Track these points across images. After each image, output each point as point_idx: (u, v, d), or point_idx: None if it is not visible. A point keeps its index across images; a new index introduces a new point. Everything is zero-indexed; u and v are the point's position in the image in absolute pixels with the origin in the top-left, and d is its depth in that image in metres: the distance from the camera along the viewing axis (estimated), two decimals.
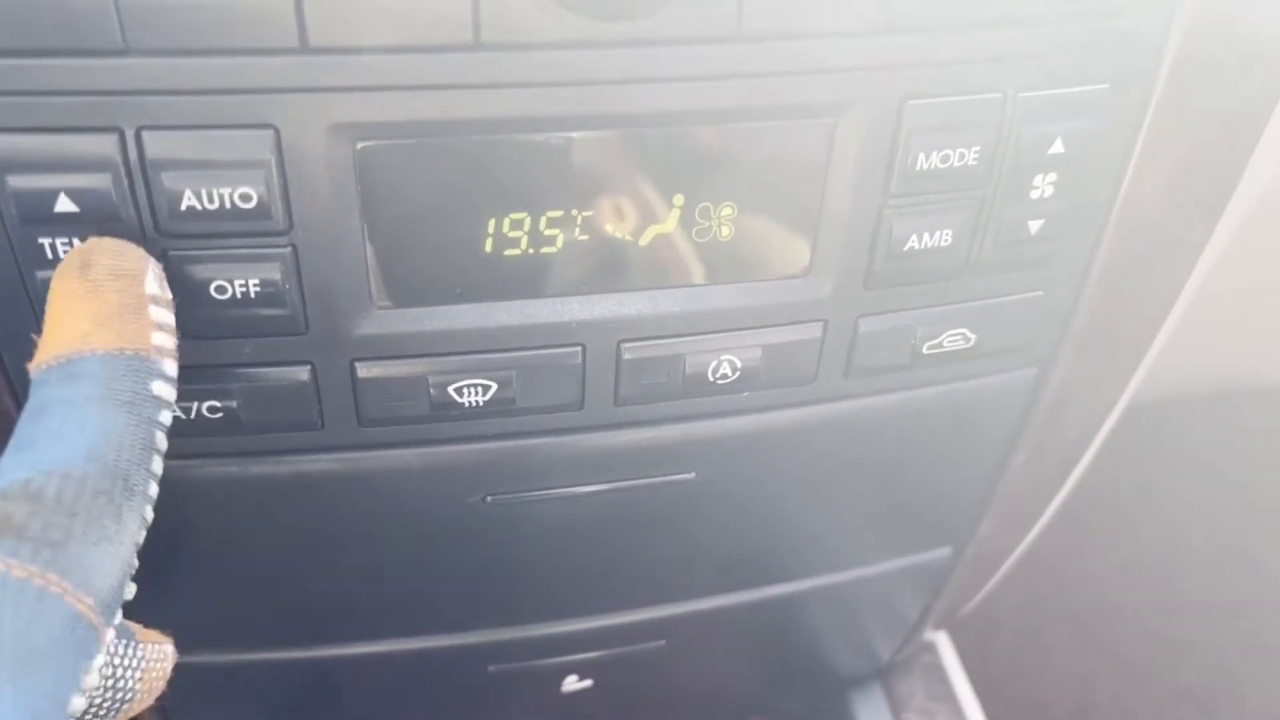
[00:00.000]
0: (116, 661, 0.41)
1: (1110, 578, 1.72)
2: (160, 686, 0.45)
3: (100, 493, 0.40)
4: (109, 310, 0.43)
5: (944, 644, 1.05)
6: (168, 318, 0.45)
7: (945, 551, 0.83)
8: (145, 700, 0.44)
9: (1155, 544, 1.76)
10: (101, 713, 0.41)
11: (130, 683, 0.42)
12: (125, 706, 0.42)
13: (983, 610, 1.45)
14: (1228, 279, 0.96)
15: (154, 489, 0.43)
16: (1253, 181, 0.70)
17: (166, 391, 0.44)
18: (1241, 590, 1.69)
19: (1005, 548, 0.88)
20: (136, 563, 0.42)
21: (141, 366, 0.43)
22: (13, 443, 0.41)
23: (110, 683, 0.41)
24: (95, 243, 0.46)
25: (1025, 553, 0.97)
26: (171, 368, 0.44)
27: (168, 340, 0.45)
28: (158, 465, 0.43)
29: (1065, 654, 1.61)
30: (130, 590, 0.42)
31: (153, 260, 0.46)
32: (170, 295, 0.46)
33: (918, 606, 0.91)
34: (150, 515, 0.43)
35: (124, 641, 0.42)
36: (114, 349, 0.42)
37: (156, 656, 0.44)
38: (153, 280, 0.45)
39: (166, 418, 0.44)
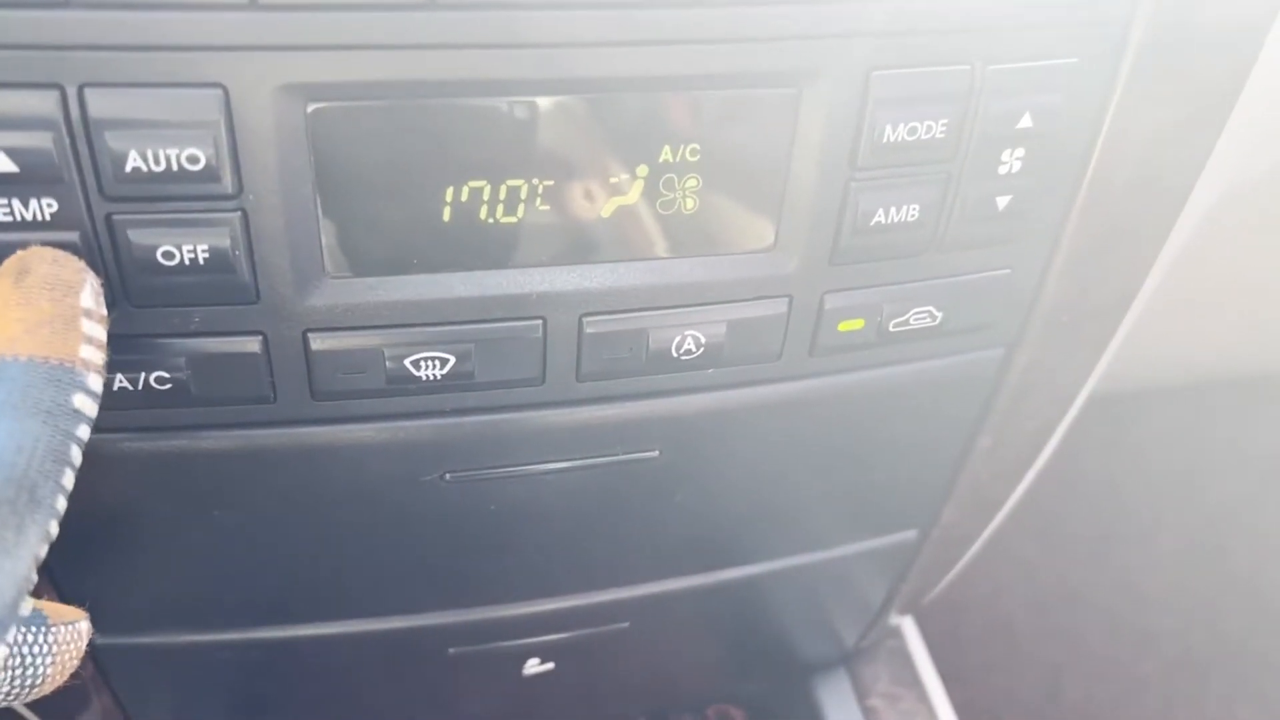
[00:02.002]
0: (25, 651, 0.40)
1: (1077, 567, 1.73)
2: (74, 664, 0.44)
3: (3, 501, 0.39)
4: (39, 318, 0.42)
5: (910, 629, 1.04)
6: (99, 333, 0.45)
7: (910, 535, 0.83)
8: (58, 679, 0.43)
9: (1122, 535, 1.77)
10: (11, 696, 0.40)
11: (41, 667, 0.41)
12: (36, 688, 0.42)
13: (951, 598, 1.45)
14: (1194, 270, 0.96)
15: (62, 503, 0.42)
16: (1219, 168, 0.70)
17: (88, 406, 0.43)
18: (1205, 582, 1.70)
19: (970, 533, 0.88)
20: (35, 577, 0.40)
21: (65, 377, 0.42)
22: None
23: (18, 671, 0.40)
24: (35, 251, 0.45)
25: (992, 540, 0.97)
26: (97, 383, 0.44)
27: (96, 355, 0.44)
28: (69, 480, 0.42)
29: (1032, 642, 1.62)
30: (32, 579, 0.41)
31: (91, 274, 0.45)
32: (105, 312, 0.46)
33: (883, 590, 0.90)
34: (55, 531, 0.42)
35: (34, 628, 0.41)
36: (39, 356, 0.41)
37: (69, 637, 0.43)
38: (89, 294, 0.44)
39: (84, 433, 0.43)
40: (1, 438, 0.40)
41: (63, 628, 0.43)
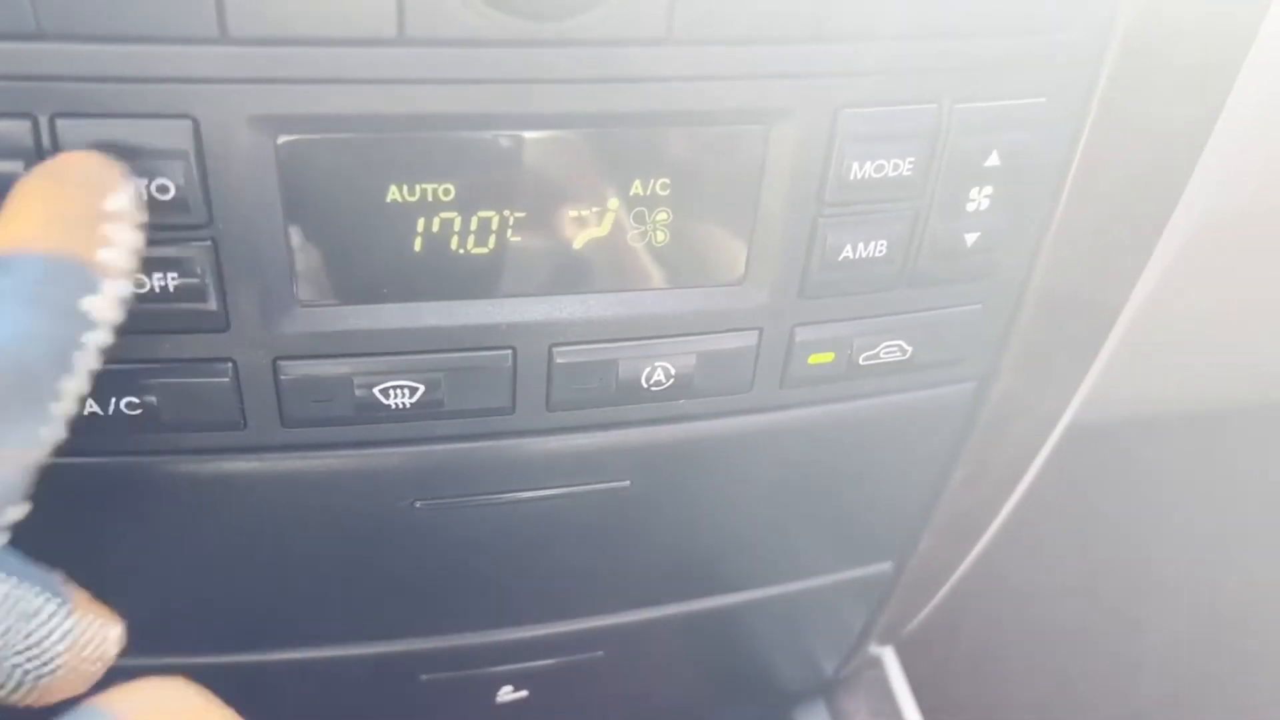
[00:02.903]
0: (38, 624, 0.38)
1: (1064, 599, 1.72)
2: (93, 670, 0.42)
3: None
4: (62, 214, 0.41)
5: (890, 659, 1.04)
6: (128, 237, 0.43)
7: (886, 566, 0.83)
8: (73, 681, 0.40)
9: (1112, 567, 1.77)
10: (16, 678, 0.38)
11: (52, 650, 0.39)
12: (47, 678, 0.39)
13: (936, 629, 1.45)
14: (1173, 301, 0.96)
15: (56, 411, 0.40)
16: (1193, 202, 0.70)
17: (99, 310, 0.41)
18: (1193, 614, 1.69)
19: (947, 564, 0.88)
20: (23, 500, 0.39)
21: (78, 276, 0.40)
22: None
23: (24, 640, 0.38)
24: (77, 154, 0.44)
25: (973, 571, 0.97)
26: (115, 288, 0.41)
27: (119, 258, 0.42)
28: (67, 387, 0.40)
29: (1018, 674, 1.61)
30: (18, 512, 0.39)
31: (132, 180, 0.44)
32: (142, 218, 0.44)
33: (860, 621, 0.90)
34: (47, 439, 0.40)
35: (47, 596, 0.39)
36: (54, 252, 0.40)
37: (93, 633, 0.41)
38: (121, 197, 0.43)
39: (93, 340, 0.41)
40: (2, 330, 0.37)
41: (89, 619, 0.41)
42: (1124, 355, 0.91)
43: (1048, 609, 1.70)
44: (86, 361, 0.41)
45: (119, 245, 0.42)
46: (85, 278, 0.40)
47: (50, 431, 0.40)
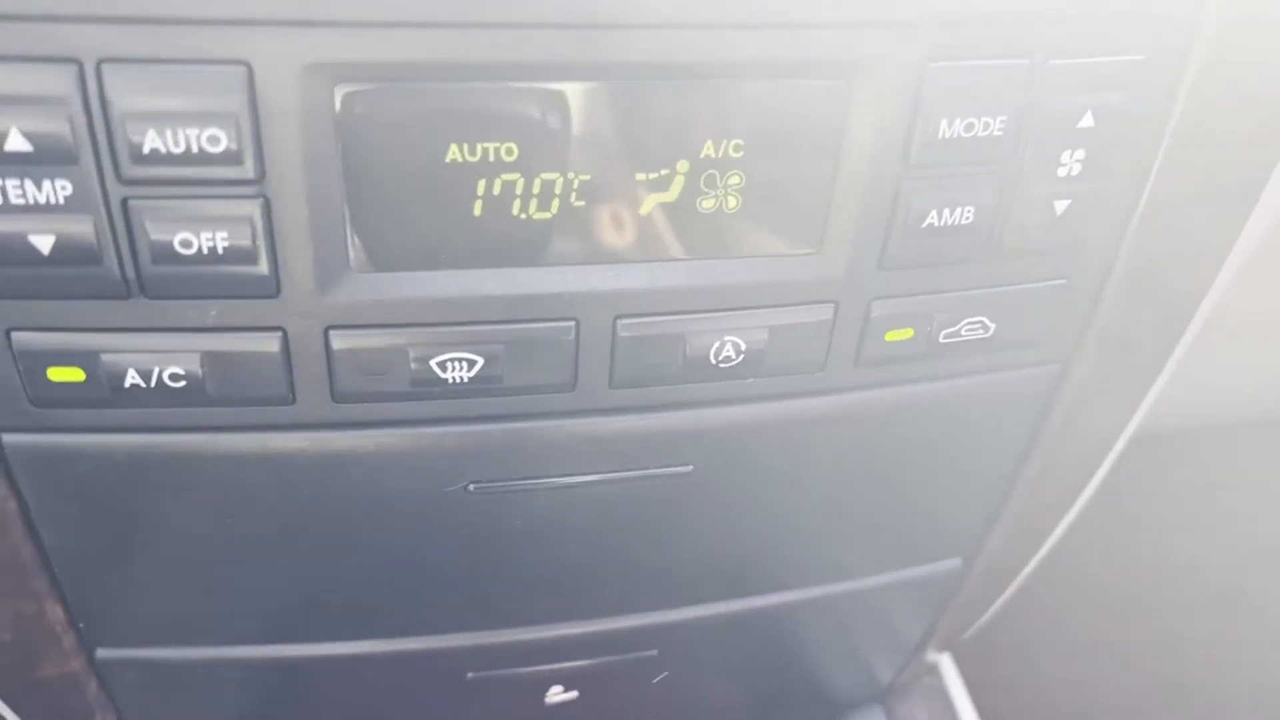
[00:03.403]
0: None
1: (1109, 615, 1.67)
2: None
3: None
4: None
5: (948, 666, 1.00)
6: None
7: (955, 563, 0.79)
8: None
9: (1156, 581, 1.71)
10: None
11: None
12: None
13: (993, 637, 1.40)
14: (1250, 296, 0.92)
15: None
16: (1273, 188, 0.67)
17: None
18: (1241, 634, 1.64)
19: (1014, 564, 0.84)
20: None
21: None
22: None
23: None
24: None
25: (1036, 575, 0.93)
26: None
27: None
28: None
29: (1060, 689, 1.56)
30: None
31: None
32: None
33: (924, 623, 0.86)
34: None
35: None
36: None
37: None
38: None
39: None
40: None
41: None
42: (1198, 353, 0.87)
43: (1112, 620, 1.65)
44: None
45: None
46: None
47: None
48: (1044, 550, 0.86)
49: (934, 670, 0.99)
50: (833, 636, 0.86)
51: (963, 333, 0.59)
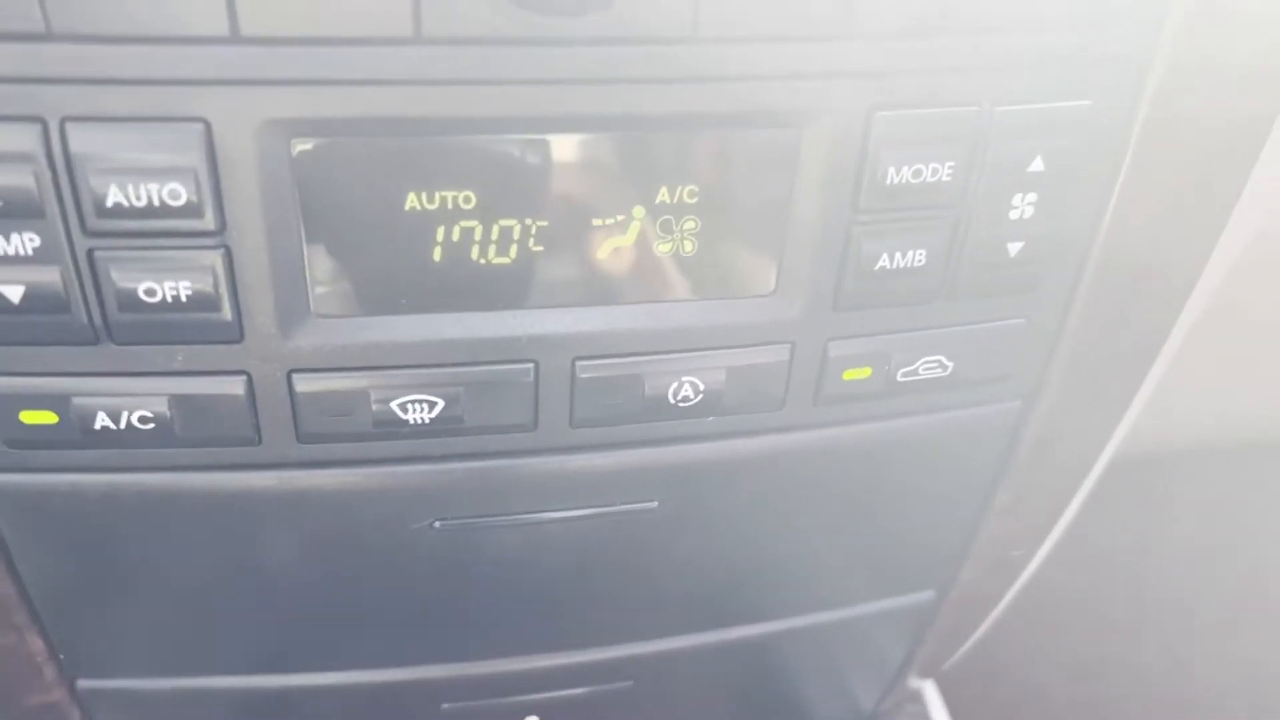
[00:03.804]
0: None
1: (1115, 634, 1.66)
2: None
3: None
4: None
5: (931, 694, 1.00)
6: None
7: (928, 595, 0.80)
8: None
9: (1160, 602, 1.71)
10: None
11: None
12: None
13: (982, 664, 1.39)
14: (1226, 321, 0.92)
15: None
16: (1246, 217, 0.67)
17: None
18: (1250, 650, 1.63)
19: (991, 595, 0.84)
20: None
21: None
22: None
23: None
24: None
25: (1024, 606, 0.93)
26: None
27: None
28: None
29: (1067, 710, 1.56)
30: None
31: None
32: None
33: (900, 652, 0.87)
34: None
35: None
36: None
37: None
38: None
39: None
40: None
41: None
42: (1173, 381, 0.87)
43: (1095, 646, 1.64)
44: None
45: None
46: None
47: None
48: (1023, 579, 0.87)
49: (917, 698, 1.00)
50: (809, 667, 0.86)
51: (921, 371, 0.60)
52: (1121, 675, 1.61)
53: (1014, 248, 0.57)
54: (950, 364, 0.60)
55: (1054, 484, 0.75)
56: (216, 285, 0.49)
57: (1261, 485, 1.85)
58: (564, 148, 0.50)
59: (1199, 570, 1.75)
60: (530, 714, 0.78)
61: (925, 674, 0.94)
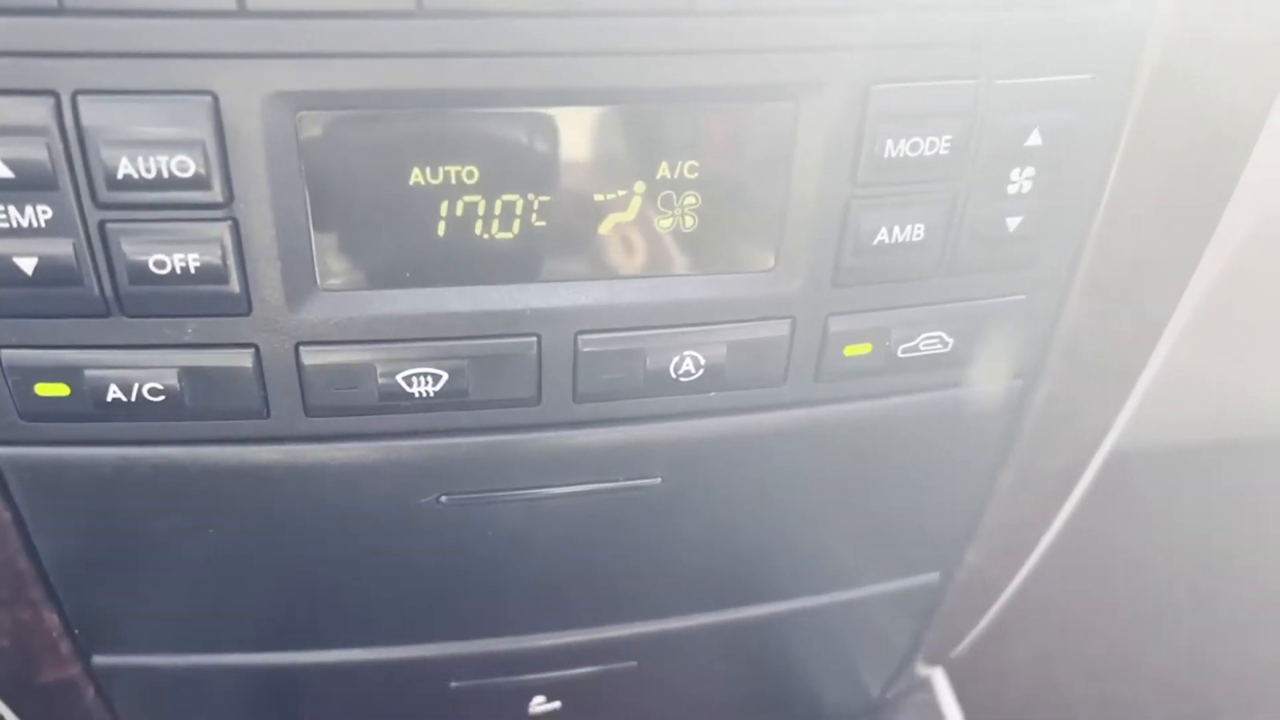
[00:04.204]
0: None
1: (1132, 633, 1.66)
2: None
3: None
4: None
5: (940, 681, 1.00)
6: None
7: (933, 577, 0.80)
8: None
9: (1180, 603, 1.70)
10: None
11: None
12: None
13: (987, 651, 1.39)
14: (1234, 307, 0.92)
15: None
16: (1248, 197, 0.67)
17: None
18: (1270, 649, 1.62)
19: (997, 580, 0.85)
20: None
21: None
22: None
23: None
24: None
25: (1028, 592, 0.93)
26: None
27: None
28: None
29: (1083, 710, 1.55)
30: None
31: None
32: None
33: (907, 636, 0.87)
34: None
35: None
36: None
37: None
38: None
39: None
40: None
41: None
42: (1182, 370, 0.87)
43: (1111, 644, 1.64)
44: None
45: None
46: None
47: None
48: (1030, 565, 0.87)
49: (926, 685, 1.00)
50: (814, 649, 0.87)
51: (921, 348, 0.60)
52: (1138, 674, 1.60)
53: (1013, 222, 0.57)
54: (951, 340, 0.61)
55: (1058, 467, 0.75)
56: (224, 257, 0.50)
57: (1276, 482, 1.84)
58: (565, 123, 0.51)
59: (1218, 568, 1.74)
60: (537, 693, 0.79)
61: (933, 661, 0.94)
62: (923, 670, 0.95)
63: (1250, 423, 1.53)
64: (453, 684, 0.76)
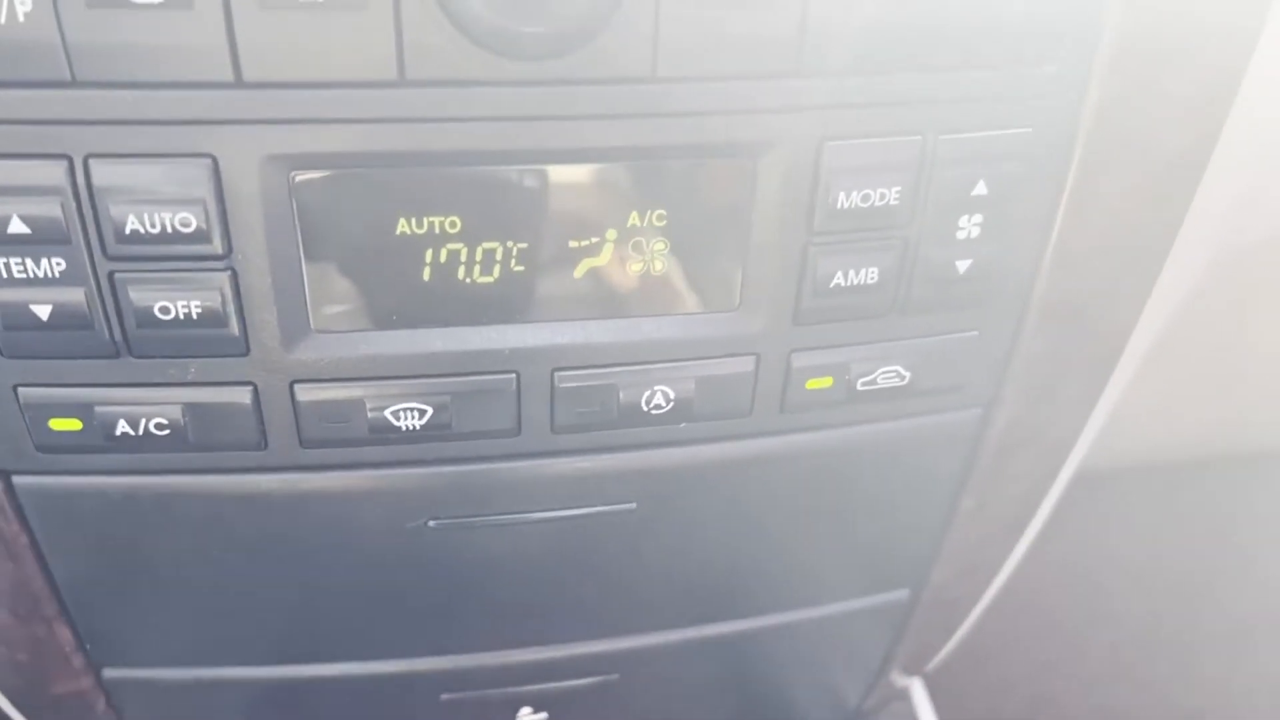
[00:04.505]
0: None
1: (1125, 645, 1.68)
2: None
3: None
4: None
5: (918, 691, 1.04)
6: None
7: (902, 594, 0.84)
8: None
9: (1172, 613, 1.72)
10: None
11: None
12: None
13: (991, 675, 1.42)
14: (1191, 338, 0.95)
15: None
16: (1202, 232, 0.71)
17: None
18: (1260, 662, 1.64)
19: (966, 596, 0.88)
20: None
21: None
22: None
23: None
24: None
25: (1002, 606, 0.97)
26: None
27: None
28: None
29: (1050, 710, 1.57)
30: None
31: None
32: None
33: (880, 649, 0.90)
34: None
35: None
36: None
37: None
38: None
39: None
40: None
41: None
42: (1145, 394, 0.90)
43: (1104, 657, 1.66)
44: None
45: None
46: None
47: None
48: (999, 582, 0.90)
49: (904, 695, 1.03)
50: (791, 661, 0.90)
51: (879, 381, 0.64)
52: (1131, 686, 1.62)
53: (962, 265, 0.61)
54: (907, 374, 0.64)
55: (1018, 490, 0.79)
56: (224, 304, 0.54)
57: (1272, 494, 1.87)
58: (540, 177, 0.55)
59: (1209, 581, 1.76)
60: (523, 704, 0.82)
61: (910, 671, 0.97)
62: (900, 681, 0.98)
63: (1224, 439, 1.55)
64: (443, 696, 0.80)
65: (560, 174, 0.55)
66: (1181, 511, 1.85)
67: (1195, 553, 1.80)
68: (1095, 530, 1.77)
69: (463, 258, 0.56)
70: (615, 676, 0.82)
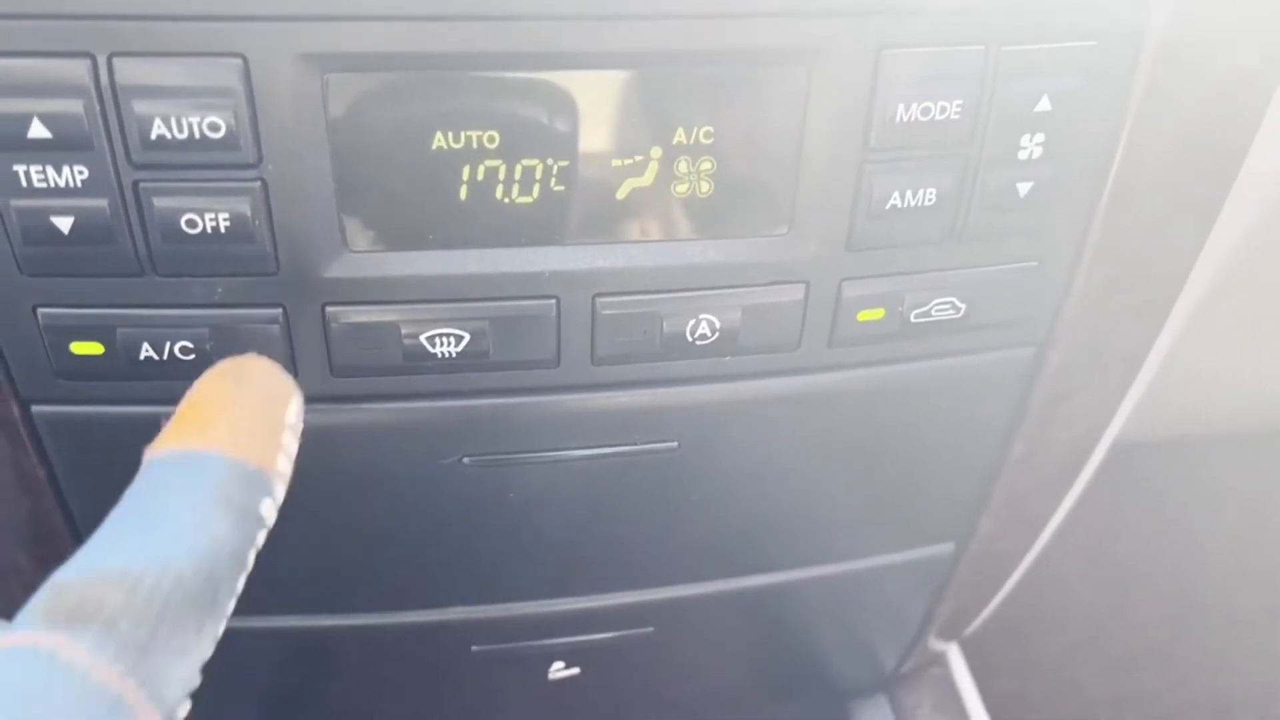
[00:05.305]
0: None
1: (1153, 629, 1.65)
2: None
3: (191, 600, 0.38)
4: (249, 423, 0.43)
5: (955, 657, 1.01)
6: (293, 447, 0.45)
7: (947, 548, 0.81)
8: None
9: (1203, 596, 1.69)
10: None
11: None
12: None
13: (1016, 657, 1.40)
14: (1237, 306, 0.92)
15: (230, 607, 0.41)
16: (1260, 170, 0.68)
17: (270, 514, 0.43)
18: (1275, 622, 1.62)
19: (1011, 551, 0.85)
20: (199, 679, 0.39)
21: (259, 483, 0.42)
22: (116, 514, 0.41)
23: None
24: (252, 359, 0.46)
25: (1042, 569, 0.94)
26: (281, 492, 0.44)
27: (286, 467, 0.44)
28: (240, 584, 0.42)
29: (1103, 705, 1.55)
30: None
31: (299, 392, 0.46)
32: (301, 426, 0.46)
33: (921, 608, 0.88)
34: (219, 634, 0.40)
35: None
36: (242, 458, 0.42)
37: None
38: (295, 409, 0.45)
39: (261, 539, 0.43)
40: (197, 534, 0.39)
41: None
42: (1188, 361, 0.87)
43: (1132, 640, 1.63)
44: (253, 561, 0.42)
45: (288, 453, 0.45)
46: (263, 482, 0.42)
47: (220, 626, 0.40)
48: (1043, 540, 0.87)
49: (941, 660, 1.01)
50: (828, 619, 0.88)
51: (934, 313, 0.61)
52: (1159, 671, 1.60)
53: (1023, 188, 0.58)
54: (963, 306, 0.62)
55: (1071, 435, 0.76)
56: (254, 217, 0.51)
57: None
58: (583, 88, 0.52)
59: (1239, 563, 1.73)
60: (556, 659, 0.80)
61: (948, 636, 0.95)
62: (938, 645, 0.96)
63: (1263, 414, 1.52)
64: (474, 648, 0.77)
65: (603, 84, 0.52)
66: (1216, 489, 1.82)
67: (1229, 532, 1.77)
68: (1128, 506, 1.74)
69: (500, 175, 0.54)
70: (649, 630, 0.79)
